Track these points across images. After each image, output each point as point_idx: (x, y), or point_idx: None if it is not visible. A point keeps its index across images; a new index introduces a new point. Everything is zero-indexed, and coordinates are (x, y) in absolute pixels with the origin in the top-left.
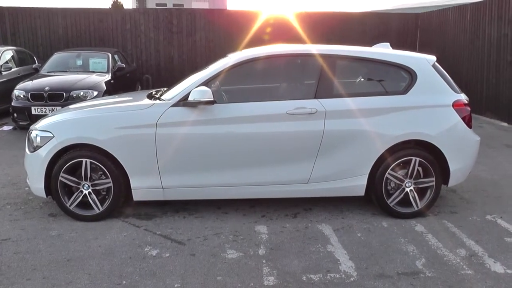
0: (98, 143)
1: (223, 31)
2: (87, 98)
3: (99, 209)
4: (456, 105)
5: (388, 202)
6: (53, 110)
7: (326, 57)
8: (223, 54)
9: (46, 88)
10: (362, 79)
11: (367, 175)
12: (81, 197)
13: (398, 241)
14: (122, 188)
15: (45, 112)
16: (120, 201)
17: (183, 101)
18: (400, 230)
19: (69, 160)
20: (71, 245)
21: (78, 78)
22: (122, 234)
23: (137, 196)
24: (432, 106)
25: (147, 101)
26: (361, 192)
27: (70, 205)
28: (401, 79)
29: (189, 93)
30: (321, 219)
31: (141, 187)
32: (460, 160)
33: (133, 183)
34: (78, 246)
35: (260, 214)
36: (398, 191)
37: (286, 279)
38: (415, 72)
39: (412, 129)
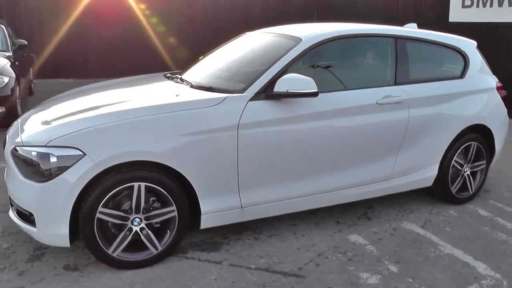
0: (157, 157)
1: None
2: None
3: (156, 249)
4: (498, 87)
5: (452, 189)
6: None
7: (400, 38)
8: None
9: None
10: (428, 63)
11: (438, 164)
12: (129, 236)
13: (484, 230)
14: (188, 216)
15: None
16: (184, 234)
17: (266, 93)
18: (472, 217)
19: (112, 186)
20: None
21: None
22: (209, 279)
23: (207, 222)
24: (484, 90)
25: (207, 93)
26: (430, 183)
27: (113, 251)
28: (458, 63)
29: (270, 82)
30: (394, 217)
31: (214, 211)
32: (501, 141)
33: (204, 206)
34: None
35: (334, 220)
36: (459, 177)
37: None
38: (467, 56)
39: (476, 114)
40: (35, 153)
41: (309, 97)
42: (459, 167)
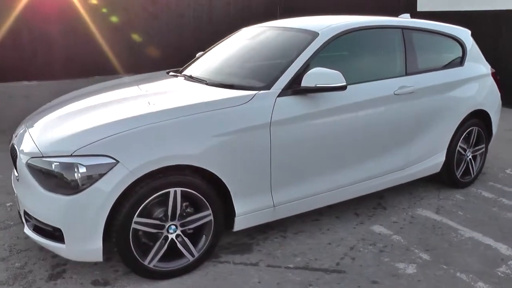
0: (193, 160)
1: None
2: None
3: (193, 256)
4: (492, 73)
5: (457, 173)
6: None
7: (406, 29)
8: None
9: None
10: (431, 52)
11: (445, 150)
12: (165, 245)
13: (494, 211)
14: (223, 219)
15: None
16: (220, 238)
17: (293, 89)
18: (478, 199)
19: (147, 194)
20: None
21: None
22: (252, 282)
23: (240, 224)
24: (481, 76)
25: (232, 91)
26: (438, 169)
27: (149, 262)
28: (457, 51)
29: (295, 78)
30: (407, 205)
31: (248, 212)
32: (496, 124)
33: (238, 208)
34: None
35: (352, 213)
36: (463, 161)
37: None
38: (464, 44)
39: (477, 100)
40: (57, 163)
41: (338, 90)
42: (463, 152)
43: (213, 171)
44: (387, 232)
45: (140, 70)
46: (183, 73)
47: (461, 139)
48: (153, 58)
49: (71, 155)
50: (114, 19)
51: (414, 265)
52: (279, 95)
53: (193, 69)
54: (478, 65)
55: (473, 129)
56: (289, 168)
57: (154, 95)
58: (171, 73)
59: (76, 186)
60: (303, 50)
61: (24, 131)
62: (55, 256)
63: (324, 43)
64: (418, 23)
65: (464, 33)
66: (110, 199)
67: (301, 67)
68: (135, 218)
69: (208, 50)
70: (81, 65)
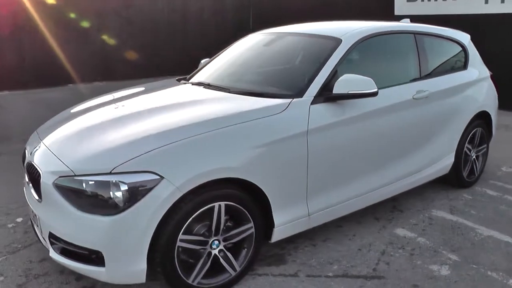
0: (237, 173)
1: None
2: None
3: (235, 270)
4: (490, 76)
5: (464, 174)
6: None
7: (418, 34)
8: None
9: None
10: (438, 56)
11: (454, 152)
12: (209, 261)
13: (503, 209)
14: (264, 232)
15: None
16: (260, 250)
17: (325, 96)
18: (485, 198)
19: (192, 210)
20: None
21: None
22: None
23: (278, 235)
24: (483, 78)
25: (265, 99)
26: (447, 170)
27: (193, 280)
28: (460, 55)
29: (325, 84)
30: (421, 207)
31: (285, 222)
32: (496, 124)
33: (277, 219)
34: None
35: (372, 217)
36: (469, 162)
37: None
38: (466, 47)
39: (481, 102)
40: (93, 182)
41: (370, 97)
42: (468, 153)
43: (256, 183)
44: (411, 235)
45: (114, 76)
46: (199, 81)
47: (467, 140)
48: (128, 64)
49: (110, 173)
50: (85, 24)
51: (447, 266)
52: (312, 103)
53: (207, 77)
54: (480, 68)
55: (477, 130)
56: (324, 176)
57: (182, 106)
58: (183, 81)
59: (117, 206)
60: (329, 57)
61: (42, 147)
62: (79, 278)
63: (348, 49)
64: (426, 28)
65: (465, 37)
66: (156, 218)
67: (329, 74)
68: (180, 236)
69: (215, 57)
70: (52, 74)
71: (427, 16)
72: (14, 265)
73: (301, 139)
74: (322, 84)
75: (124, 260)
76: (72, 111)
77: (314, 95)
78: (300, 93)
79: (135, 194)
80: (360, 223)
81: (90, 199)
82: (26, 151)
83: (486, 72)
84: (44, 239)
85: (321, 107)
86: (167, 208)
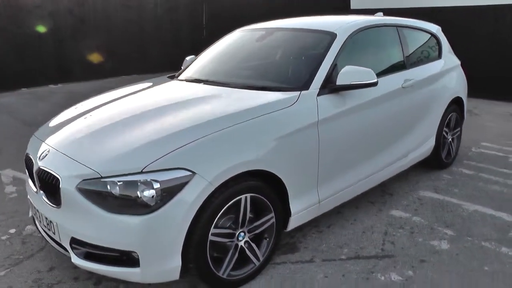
0: (262, 165)
1: None
2: None
3: (259, 260)
4: (461, 63)
5: (442, 156)
6: None
7: (399, 27)
8: None
9: None
10: (417, 47)
11: (435, 136)
12: (236, 254)
13: (481, 185)
14: (282, 221)
15: None
16: (279, 240)
17: (328, 87)
18: (463, 177)
19: (222, 204)
20: None
21: None
22: (320, 277)
23: (293, 224)
24: (455, 66)
25: (273, 93)
26: (429, 153)
27: (223, 273)
28: (435, 45)
29: (328, 77)
30: (408, 189)
31: (300, 211)
32: (466, 109)
33: (293, 208)
34: None
35: (367, 201)
36: (446, 144)
37: None
38: (439, 38)
39: (455, 88)
40: (122, 182)
41: (371, 87)
42: (446, 136)
43: (277, 174)
44: (406, 215)
45: (70, 78)
46: (196, 78)
47: (445, 124)
48: (83, 65)
49: (141, 172)
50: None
51: (445, 241)
52: (318, 94)
53: (202, 74)
54: (451, 57)
55: (452, 114)
56: (332, 164)
57: (195, 102)
58: (177, 78)
59: (150, 204)
60: (327, 50)
61: (53, 152)
62: (97, 283)
63: (344, 42)
64: (404, 21)
65: (437, 28)
66: (190, 214)
67: (330, 66)
68: (212, 230)
69: (203, 54)
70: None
71: (382, 9)
72: (21, 276)
73: (313, 130)
74: (325, 76)
75: (160, 259)
76: (71, 112)
77: (319, 87)
78: (305, 86)
79: (169, 191)
80: (357, 207)
81: (119, 200)
82: (30, 157)
83: (457, 61)
84: (62, 245)
85: (326, 98)
86: (200, 203)
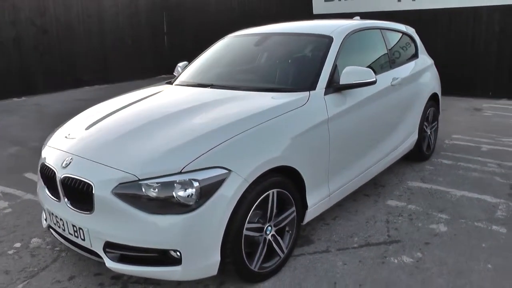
0: (287, 161)
1: None
2: None
3: (283, 252)
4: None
5: (423, 148)
6: None
7: (383, 29)
8: None
9: None
10: (398, 48)
11: (418, 129)
12: (265, 247)
13: (462, 173)
14: (301, 214)
15: None
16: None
17: (333, 87)
18: (444, 167)
19: (254, 199)
20: None
21: None
22: (339, 265)
23: (309, 216)
24: (430, 65)
25: (284, 93)
26: (412, 146)
27: (255, 266)
28: (412, 46)
29: (331, 77)
30: (397, 180)
31: (314, 204)
32: (440, 104)
33: (310, 201)
34: None
35: (362, 194)
36: (426, 137)
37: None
38: (414, 39)
39: (432, 86)
40: (159, 184)
41: (371, 85)
42: (425, 129)
43: (298, 169)
44: (401, 204)
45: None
46: (199, 83)
47: (425, 119)
48: (47, 75)
49: (180, 172)
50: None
51: (442, 224)
52: (324, 94)
53: (205, 78)
54: (426, 57)
55: (430, 109)
56: (339, 158)
57: (214, 104)
58: (177, 83)
59: (191, 203)
60: (327, 52)
61: (77, 159)
62: (124, 287)
63: (341, 44)
64: (385, 24)
65: (411, 30)
66: (228, 210)
67: (332, 67)
68: (246, 225)
69: (197, 60)
70: None
71: (343, 14)
72: (41, 287)
73: (324, 127)
74: (329, 77)
75: (201, 256)
76: (81, 120)
77: (324, 86)
78: (312, 86)
79: (208, 190)
80: (355, 200)
81: (158, 201)
82: (49, 166)
83: (431, 60)
84: (93, 251)
85: (331, 97)
86: (237, 200)
